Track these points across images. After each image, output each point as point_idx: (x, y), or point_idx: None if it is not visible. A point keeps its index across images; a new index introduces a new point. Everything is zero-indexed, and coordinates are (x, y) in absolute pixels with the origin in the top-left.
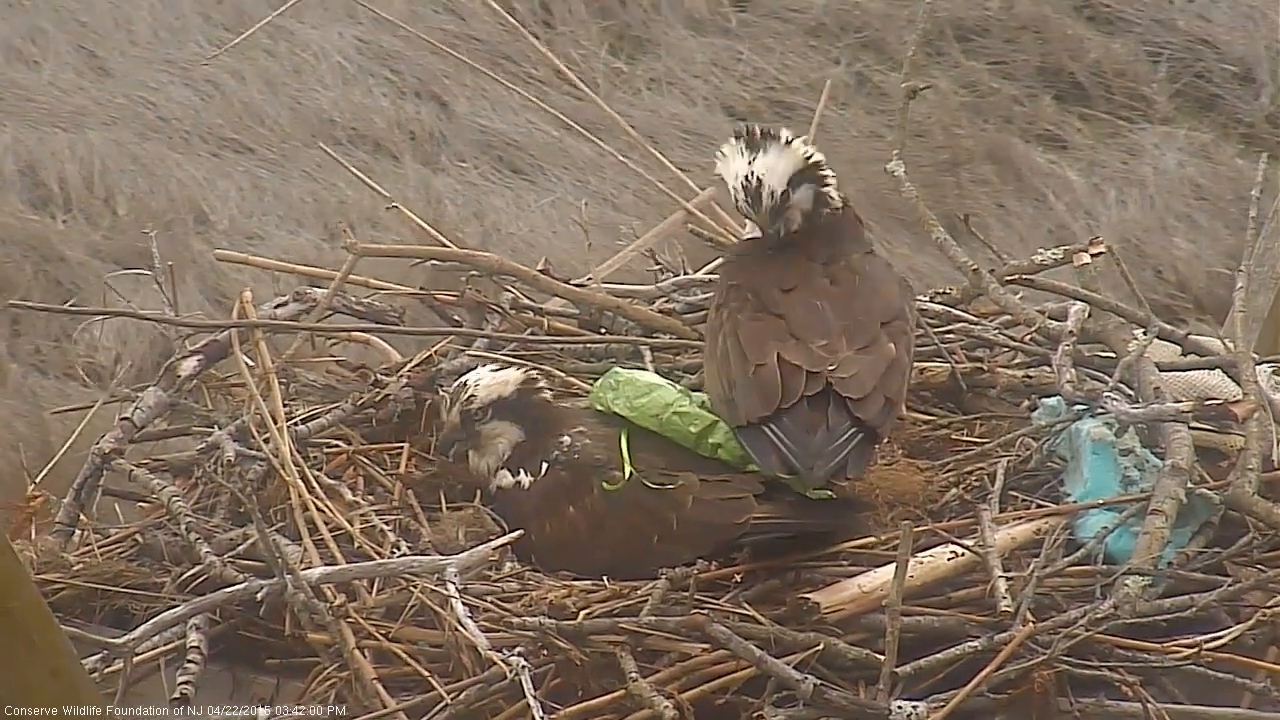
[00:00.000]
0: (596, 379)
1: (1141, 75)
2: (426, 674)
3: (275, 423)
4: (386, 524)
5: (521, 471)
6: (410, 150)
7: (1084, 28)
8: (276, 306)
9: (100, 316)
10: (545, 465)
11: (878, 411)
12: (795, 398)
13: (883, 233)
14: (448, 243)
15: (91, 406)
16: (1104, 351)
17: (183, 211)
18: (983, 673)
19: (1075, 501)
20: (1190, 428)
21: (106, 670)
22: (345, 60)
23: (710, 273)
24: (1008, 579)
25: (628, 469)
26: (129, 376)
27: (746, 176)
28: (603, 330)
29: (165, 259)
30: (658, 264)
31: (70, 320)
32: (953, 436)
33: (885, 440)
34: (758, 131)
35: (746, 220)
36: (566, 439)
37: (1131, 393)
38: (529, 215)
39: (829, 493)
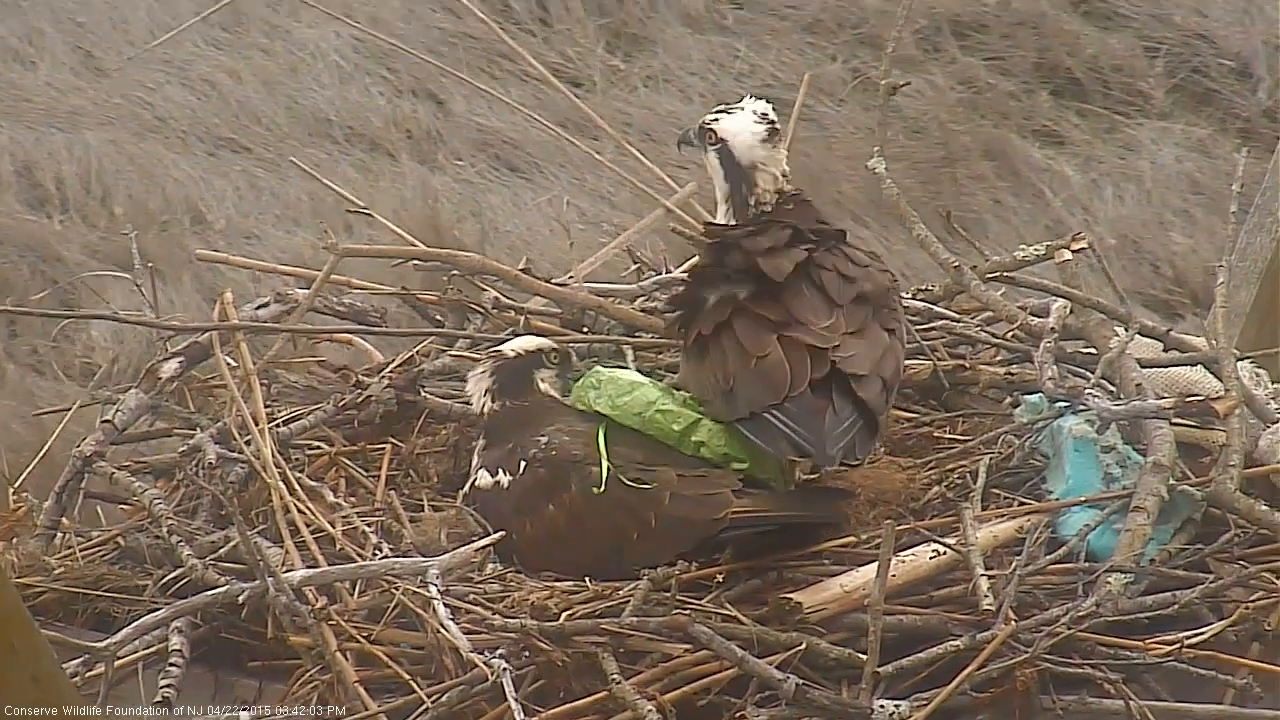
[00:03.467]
0: (578, 378)
1: (1138, 70)
2: (408, 676)
3: (257, 424)
4: (368, 525)
5: (500, 471)
6: (407, 149)
7: (1081, 23)
8: (258, 308)
9: (80, 319)
10: (523, 464)
11: (877, 393)
12: (804, 383)
13: (879, 229)
14: (417, 242)
15: (72, 408)
16: (1086, 348)
17: (179, 211)
18: (965, 671)
19: (1057, 499)
20: (1172, 424)
21: (88, 674)
22: (342, 59)
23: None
24: (990, 577)
25: (605, 465)
26: (124, 377)
27: (767, 113)
28: (585, 329)
29: (161, 259)
30: (635, 262)
31: (66, 321)
32: (935, 434)
33: (884, 428)
34: None
35: (719, 200)
36: (544, 438)
37: (1113, 389)
38: (526, 213)
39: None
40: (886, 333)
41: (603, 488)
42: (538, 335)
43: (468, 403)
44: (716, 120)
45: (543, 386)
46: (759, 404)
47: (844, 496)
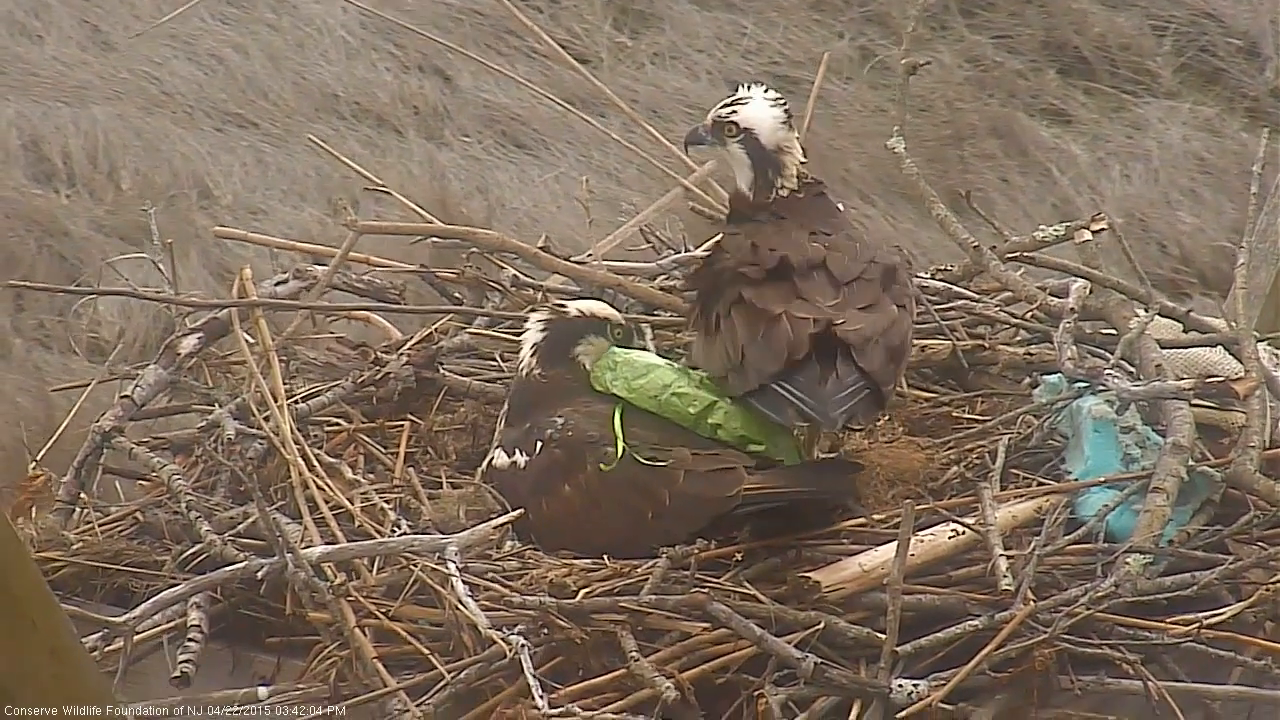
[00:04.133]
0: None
1: (1146, 49)
2: (427, 653)
3: (275, 401)
4: (387, 502)
5: (518, 451)
6: (414, 125)
7: (1088, 1)
8: (277, 284)
9: (100, 295)
10: (540, 445)
11: (881, 363)
12: (804, 350)
13: (886, 207)
14: (431, 218)
15: (90, 383)
16: (1105, 328)
17: (186, 186)
18: (983, 651)
19: (1076, 479)
20: (1191, 405)
21: (107, 649)
22: (349, 34)
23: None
24: (1009, 557)
25: (620, 445)
26: (132, 352)
27: (779, 97)
28: None
29: (168, 234)
30: (648, 241)
31: (85, 297)
32: (954, 414)
33: (889, 398)
34: None
35: (744, 188)
36: (560, 418)
37: (1133, 370)
38: (533, 190)
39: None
40: (897, 308)
41: (612, 466)
42: (606, 304)
43: (514, 352)
44: (734, 111)
45: (581, 359)
46: (765, 374)
47: (855, 470)
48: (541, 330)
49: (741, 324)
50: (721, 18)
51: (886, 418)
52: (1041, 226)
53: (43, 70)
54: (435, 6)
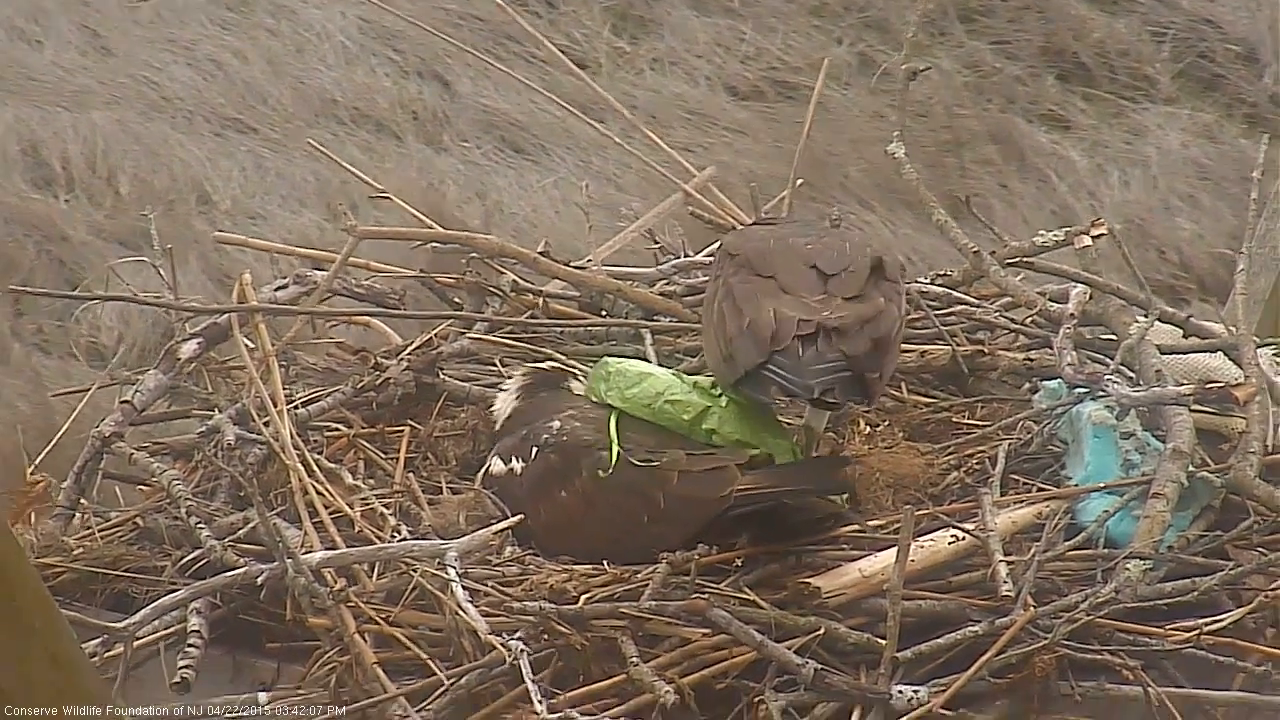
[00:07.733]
0: (596, 362)
1: (1145, 55)
2: (427, 658)
3: (275, 406)
4: (387, 508)
5: (514, 458)
6: (413, 130)
7: (1087, 7)
8: (277, 289)
9: (102, 300)
10: (536, 450)
11: (864, 350)
12: (788, 340)
13: (886, 214)
14: (432, 223)
15: (90, 388)
16: (1105, 334)
17: (185, 191)
18: (983, 657)
19: (1076, 485)
20: (1191, 411)
21: (107, 654)
22: (348, 40)
23: (710, 255)
24: (1009, 563)
25: (615, 449)
26: (131, 357)
27: None
28: (603, 313)
29: (167, 239)
30: (656, 243)
31: (85, 303)
32: (953, 419)
33: (877, 389)
34: None
35: None
36: (556, 423)
37: (1133, 375)
38: (532, 195)
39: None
40: (884, 300)
41: (609, 471)
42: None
43: (489, 407)
44: None
45: (568, 387)
46: (751, 362)
47: (847, 464)
48: (526, 376)
49: (731, 315)
50: (720, 23)
51: (886, 423)
52: (1041, 232)
53: (42, 75)
54: (434, 12)
